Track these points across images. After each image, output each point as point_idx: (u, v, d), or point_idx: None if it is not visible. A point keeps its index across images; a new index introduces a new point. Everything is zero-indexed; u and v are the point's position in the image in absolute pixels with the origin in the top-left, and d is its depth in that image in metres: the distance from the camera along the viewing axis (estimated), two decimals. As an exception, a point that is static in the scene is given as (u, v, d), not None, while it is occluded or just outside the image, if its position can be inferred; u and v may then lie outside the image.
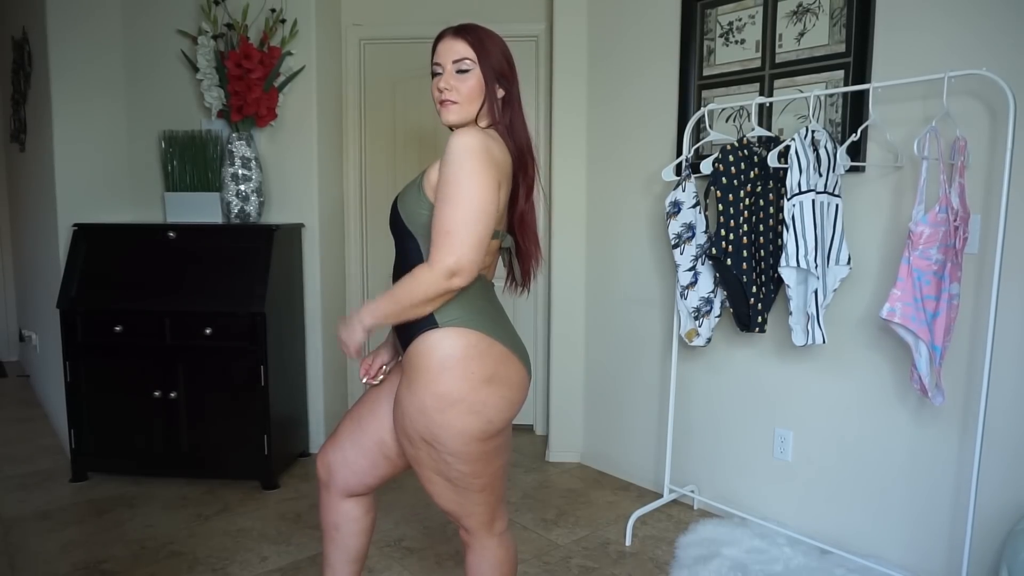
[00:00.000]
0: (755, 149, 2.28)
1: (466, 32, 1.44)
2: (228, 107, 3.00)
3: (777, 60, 2.43)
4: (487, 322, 1.41)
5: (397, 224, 1.45)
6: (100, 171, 3.25)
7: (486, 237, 1.32)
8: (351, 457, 1.59)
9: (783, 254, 2.10)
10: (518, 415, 3.76)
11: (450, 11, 3.45)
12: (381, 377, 1.62)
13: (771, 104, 2.45)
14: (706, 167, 2.35)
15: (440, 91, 1.43)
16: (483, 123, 1.45)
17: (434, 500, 1.50)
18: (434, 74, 1.46)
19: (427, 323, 1.38)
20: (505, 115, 1.47)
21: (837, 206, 2.16)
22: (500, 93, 1.45)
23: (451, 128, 1.47)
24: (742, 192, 2.23)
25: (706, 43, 2.65)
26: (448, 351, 1.37)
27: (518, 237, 1.55)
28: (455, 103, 1.42)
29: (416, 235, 1.43)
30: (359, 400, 1.64)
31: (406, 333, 1.42)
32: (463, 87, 1.42)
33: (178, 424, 2.87)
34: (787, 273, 2.13)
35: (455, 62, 1.42)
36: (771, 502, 2.56)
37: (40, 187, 3.48)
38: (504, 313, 1.50)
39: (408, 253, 1.44)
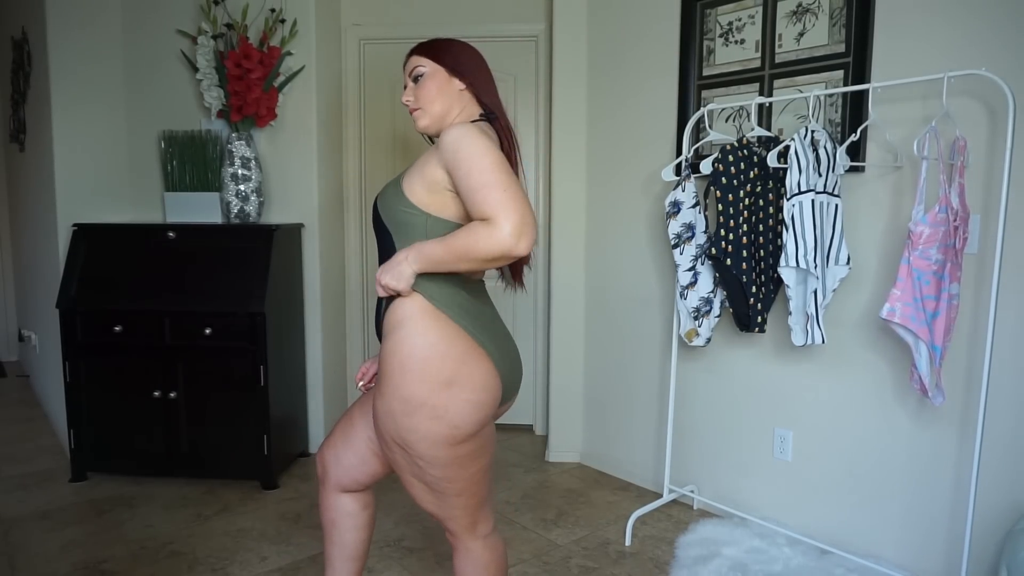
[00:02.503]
0: (755, 149, 2.28)
1: (422, 46, 1.52)
2: (228, 107, 3.00)
3: (777, 60, 2.43)
4: (459, 316, 1.38)
5: (377, 221, 1.48)
6: (100, 171, 3.25)
7: (524, 194, 1.28)
8: (342, 454, 1.63)
9: (783, 254, 2.10)
10: (517, 415, 3.74)
11: (450, 11, 3.45)
12: (373, 385, 1.64)
13: (771, 104, 2.45)
14: (706, 167, 2.35)
15: (405, 103, 1.52)
16: (461, 117, 1.51)
17: (416, 502, 1.50)
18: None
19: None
20: (475, 106, 1.52)
21: (837, 206, 2.16)
22: (460, 85, 1.50)
23: (429, 136, 1.55)
24: (742, 192, 2.23)
25: (706, 43, 2.65)
26: (408, 351, 1.34)
27: None
28: (418, 109, 1.50)
29: (392, 231, 1.44)
30: (357, 400, 1.68)
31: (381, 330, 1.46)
32: (421, 92, 1.50)
33: (178, 424, 2.87)
34: (787, 273, 2.13)
35: (410, 73, 1.52)
36: (771, 502, 2.56)
37: (40, 187, 3.48)
38: (487, 310, 1.47)
39: (388, 250, 1.47)
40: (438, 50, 1.50)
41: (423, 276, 1.37)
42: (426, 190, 1.38)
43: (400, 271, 1.33)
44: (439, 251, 1.29)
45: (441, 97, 1.48)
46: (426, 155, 1.43)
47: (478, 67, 1.51)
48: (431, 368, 1.33)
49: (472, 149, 1.29)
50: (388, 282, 1.33)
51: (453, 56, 1.50)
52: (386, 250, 1.47)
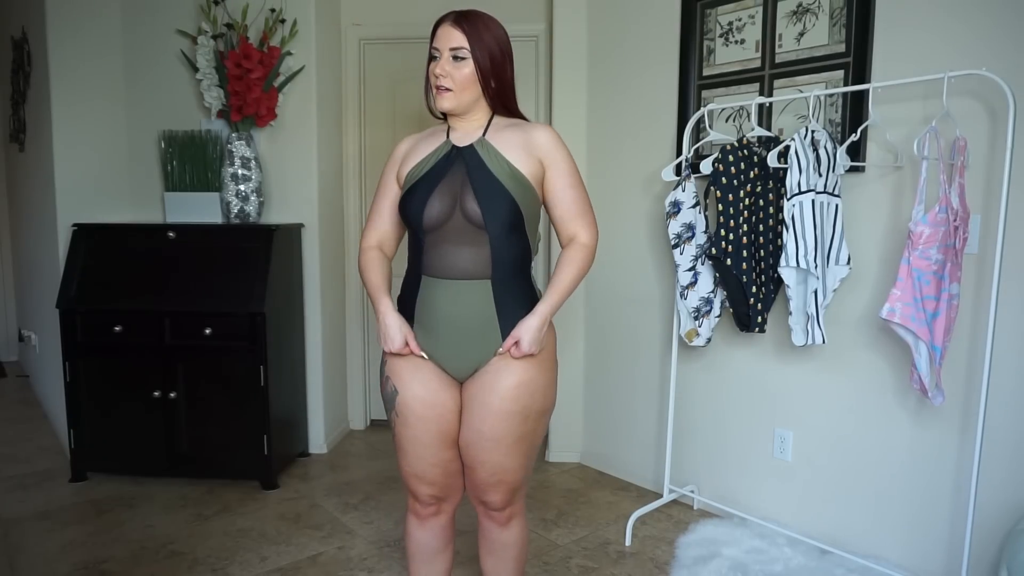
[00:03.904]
0: (755, 149, 2.28)
1: (466, 21, 1.50)
2: (228, 107, 3.00)
3: (777, 60, 2.43)
4: None
5: (516, 218, 1.51)
6: (100, 171, 3.25)
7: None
8: (452, 477, 1.70)
9: (783, 254, 2.10)
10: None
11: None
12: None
13: (771, 104, 2.45)
14: (706, 167, 2.35)
15: (436, 76, 1.50)
16: (483, 108, 1.57)
17: (507, 479, 1.59)
18: (432, 58, 1.53)
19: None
20: (511, 103, 1.60)
21: (837, 206, 2.16)
22: (492, 84, 1.53)
23: (439, 114, 1.59)
24: (742, 192, 2.23)
25: (706, 43, 2.65)
26: (552, 344, 1.64)
27: None
28: (449, 90, 1.50)
29: (525, 223, 1.54)
30: (409, 438, 1.60)
31: (516, 318, 1.54)
32: (458, 74, 1.49)
33: (178, 424, 2.87)
34: (787, 273, 2.13)
35: (452, 49, 1.49)
36: (771, 502, 2.56)
37: (40, 187, 3.48)
38: None
39: (511, 248, 1.53)
40: (484, 47, 1.49)
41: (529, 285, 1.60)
42: (534, 181, 1.52)
43: (539, 335, 1.52)
44: (559, 298, 1.56)
45: (474, 87, 1.52)
46: (505, 145, 1.50)
47: (509, 62, 1.56)
48: (555, 355, 1.65)
49: (570, 156, 1.56)
50: (534, 351, 1.52)
51: (492, 50, 1.51)
52: (502, 249, 1.51)
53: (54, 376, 3.43)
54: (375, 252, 1.67)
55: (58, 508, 2.70)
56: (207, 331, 2.80)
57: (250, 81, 2.93)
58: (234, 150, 3.02)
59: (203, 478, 2.98)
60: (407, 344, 1.56)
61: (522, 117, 1.63)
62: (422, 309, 1.55)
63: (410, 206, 1.52)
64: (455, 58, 1.48)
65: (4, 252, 5.10)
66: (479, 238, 1.49)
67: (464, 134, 1.56)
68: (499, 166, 1.49)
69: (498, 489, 1.61)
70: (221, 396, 2.85)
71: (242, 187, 3.02)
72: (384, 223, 1.67)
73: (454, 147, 1.54)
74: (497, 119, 1.59)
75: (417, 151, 1.59)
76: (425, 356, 1.57)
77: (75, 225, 2.98)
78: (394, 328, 1.55)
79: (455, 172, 1.51)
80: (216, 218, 3.11)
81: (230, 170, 3.02)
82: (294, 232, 3.15)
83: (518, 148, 1.51)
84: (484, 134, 1.55)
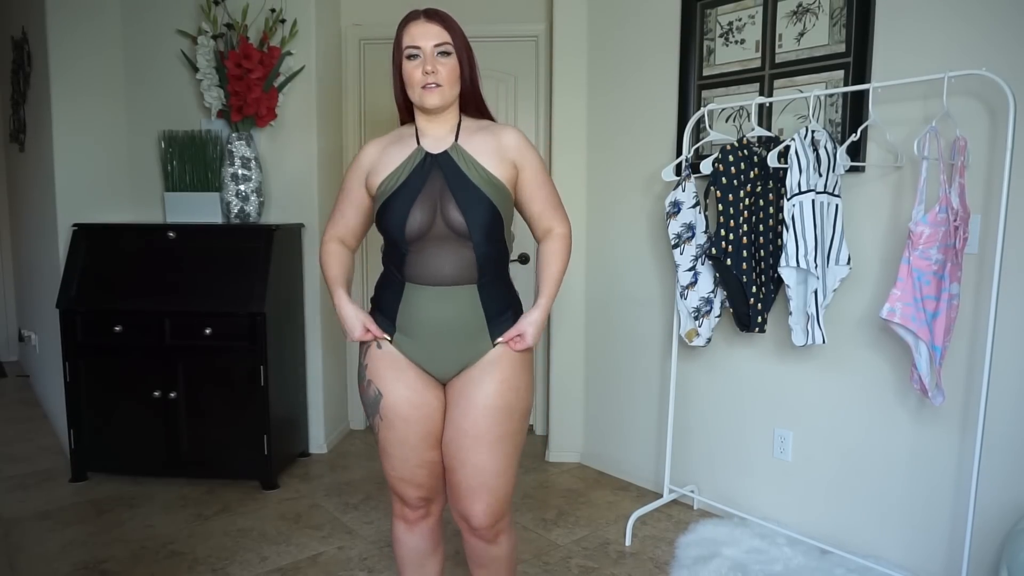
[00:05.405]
0: (755, 149, 2.28)
1: (439, 17, 1.50)
2: (228, 107, 3.00)
3: (777, 60, 2.43)
4: None
5: (496, 222, 1.51)
6: (100, 171, 3.25)
7: None
8: (437, 480, 1.69)
9: (783, 254, 2.10)
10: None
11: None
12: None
13: (771, 104, 2.45)
14: (706, 167, 2.35)
15: (426, 74, 1.47)
16: (471, 110, 1.59)
17: (490, 483, 1.55)
18: (408, 57, 1.49)
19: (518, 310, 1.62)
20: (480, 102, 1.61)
21: (837, 206, 2.16)
22: (467, 79, 1.54)
23: (422, 111, 1.56)
24: (742, 192, 2.23)
25: (706, 43, 2.65)
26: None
27: None
28: (439, 86, 1.48)
29: (502, 228, 1.54)
30: (393, 442, 1.60)
31: (502, 319, 1.56)
32: (444, 70, 1.48)
33: (178, 424, 2.87)
34: (787, 273, 2.13)
35: (436, 45, 1.47)
36: (771, 502, 2.56)
37: (40, 187, 3.48)
38: None
39: (492, 251, 1.53)
40: (460, 41, 1.50)
41: (511, 292, 1.61)
42: (509, 184, 1.53)
43: (540, 330, 1.57)
44: (556, 289, 1.60)
45: (457, 83, 1.52)
46: (478, 151, 1.50)
47: (475, 64, 1.57)
48: (532, 358, 1.66)
49: (539, 154, 1.59)
50: (535, 344, 1.57)
51: (466, 45, 1.52)
52: (486, 256, 1.51)
53: (54, 376, 3.43)
54: (335, 245, 1.67)
55: (58, 508, 2.70)
56: (207, 331, 2.80)
57: (250, 81, 2.93)
58: (234, 150, 3.02)
59: (203, 478, 2.98)
60: (368, 331, 1.56)
61: (490, 117, 1.63)
62: (406, 314, 1.54)
63: (390, 219, 1.49)
64: (441, 54, 1.47)
65: (4, 252, 5.10)
66: (462, 244, 1.49)
67: (435, 139, 1.54)
68: (476, 173, 1.48)
69: (481, 497, 1.54)
70: (221, 396, 2.85)
71: (242, 187, 3.03)
72: (348, 220, 1.66)
73: (428, 154, 1.52)
74: (466, 121, 1.57)
75: (387, 159, 1.56)
76: (389, 338, 1.56)
77: (75, 225, 2.98)
78: (351, 317, 1.56)
79: (433, 181, 1.49)
80: (216, 218, 3.11)
81: (230, 170, 3.02)
82: (294, 232, 3.15)
83: (491, 153, 1.51)
84: (456, 139, 1.53)
